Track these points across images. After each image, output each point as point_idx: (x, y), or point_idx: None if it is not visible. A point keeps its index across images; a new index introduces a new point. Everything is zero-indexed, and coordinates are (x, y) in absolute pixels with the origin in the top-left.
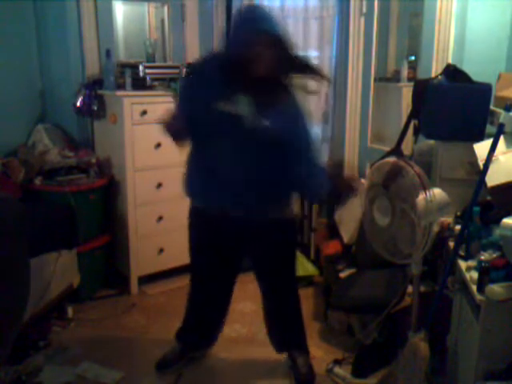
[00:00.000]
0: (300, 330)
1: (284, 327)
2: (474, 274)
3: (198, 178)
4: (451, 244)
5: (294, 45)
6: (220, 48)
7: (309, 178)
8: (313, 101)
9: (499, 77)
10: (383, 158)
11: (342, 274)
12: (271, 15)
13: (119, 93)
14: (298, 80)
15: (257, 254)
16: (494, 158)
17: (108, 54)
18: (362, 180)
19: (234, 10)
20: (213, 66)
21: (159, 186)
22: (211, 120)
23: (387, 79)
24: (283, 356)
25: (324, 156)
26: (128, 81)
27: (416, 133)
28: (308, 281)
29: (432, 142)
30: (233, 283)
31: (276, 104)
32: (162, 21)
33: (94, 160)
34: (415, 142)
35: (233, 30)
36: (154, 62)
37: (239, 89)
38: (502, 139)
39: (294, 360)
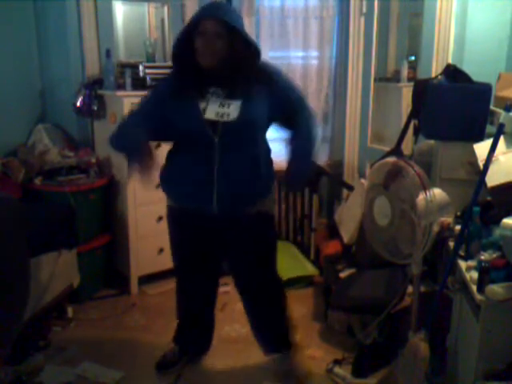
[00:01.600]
0: (285, 329)
1: (268, 328)
2: (474, 274)
3: (174, 177)
4: (451, 244)
5: (248, 37)
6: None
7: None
8: (313, 101)
9: (499, 77)
10: (383, 158)
11: (342, 274)
12: (223, 7)
13: (119, 93)
14: None
15: (234, 250)
16: (493, 158)
17: (108, 54)
18: (362, 180)
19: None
20: (174, 75)
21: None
22: (191, 126)
23: (387, 79)
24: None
25: (324, 156)
26: (128, 81)
27: (416, 133)
28: (308, 281)
29: (432, 142)
30: (215, 284)
31: (242, 93)
32: (162, 21)
33: (93, 160)
34: (415, 142)
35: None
36: (154, 62)
37: (206, 86)
38: (502, 139)
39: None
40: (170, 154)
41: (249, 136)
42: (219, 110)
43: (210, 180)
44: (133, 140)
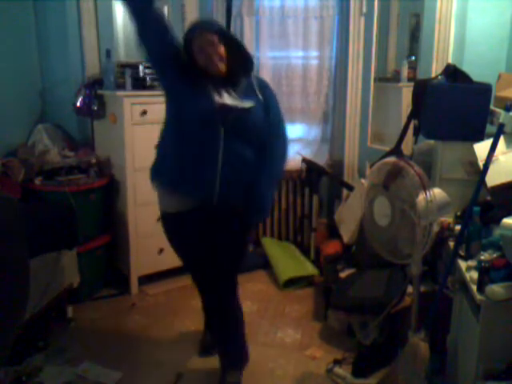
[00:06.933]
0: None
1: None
2: (474, 274)
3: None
4: (451, 244)
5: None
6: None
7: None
8: (313, 101)
9: (499, 77)
10: (383, 158)
11: (342, 274)
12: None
13: (119, 93)
14: None
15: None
16: (494, 158)
17: (108, 53)
18: (362, 180)
19: (234, 10)
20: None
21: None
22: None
23: (387, 79)
24: None
25: (324, 156)
26: (128, 81)
27: (416, 133)
28: (308, 281)
29: (432, 142)
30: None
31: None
32: None
33: (94, 160)
34: (415, 142)
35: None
36: None
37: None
38: (502, 139)
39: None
40: (170, 145)
41: (252, 132)
42: (233, 101)
43: (214, 170)
44: None
